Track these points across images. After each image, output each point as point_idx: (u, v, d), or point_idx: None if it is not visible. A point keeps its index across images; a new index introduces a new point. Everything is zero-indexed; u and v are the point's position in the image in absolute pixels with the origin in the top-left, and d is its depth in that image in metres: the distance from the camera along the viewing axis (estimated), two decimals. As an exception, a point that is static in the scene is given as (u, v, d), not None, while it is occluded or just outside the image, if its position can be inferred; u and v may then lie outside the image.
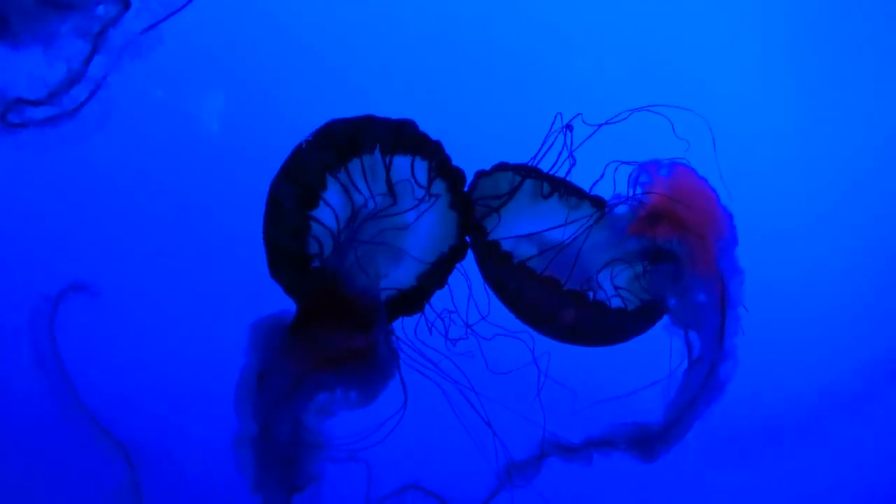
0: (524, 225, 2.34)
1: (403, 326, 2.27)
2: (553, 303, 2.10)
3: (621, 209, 2.24)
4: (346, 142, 2.13)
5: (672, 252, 2.16)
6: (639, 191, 2.20)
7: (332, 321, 2.12)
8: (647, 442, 2.29)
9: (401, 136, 2.17)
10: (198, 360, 3.04)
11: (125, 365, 3.17)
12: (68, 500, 3.14)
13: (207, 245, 3.18)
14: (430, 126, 2.21)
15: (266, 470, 2.16)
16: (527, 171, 2.28)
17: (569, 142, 2.24)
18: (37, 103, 2.03)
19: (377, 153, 2.17)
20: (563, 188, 2.30)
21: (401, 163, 2.20)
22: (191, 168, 3.05)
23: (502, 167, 2.28)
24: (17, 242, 3.03)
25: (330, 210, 2.17)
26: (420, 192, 2.21)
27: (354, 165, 2.17)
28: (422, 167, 2.21)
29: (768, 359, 3.62)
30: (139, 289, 3.20)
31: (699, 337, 2.17)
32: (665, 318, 2.24)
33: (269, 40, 3.11)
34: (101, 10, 1.96)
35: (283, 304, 2.17)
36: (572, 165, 2.28)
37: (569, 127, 2.22)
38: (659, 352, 2.25)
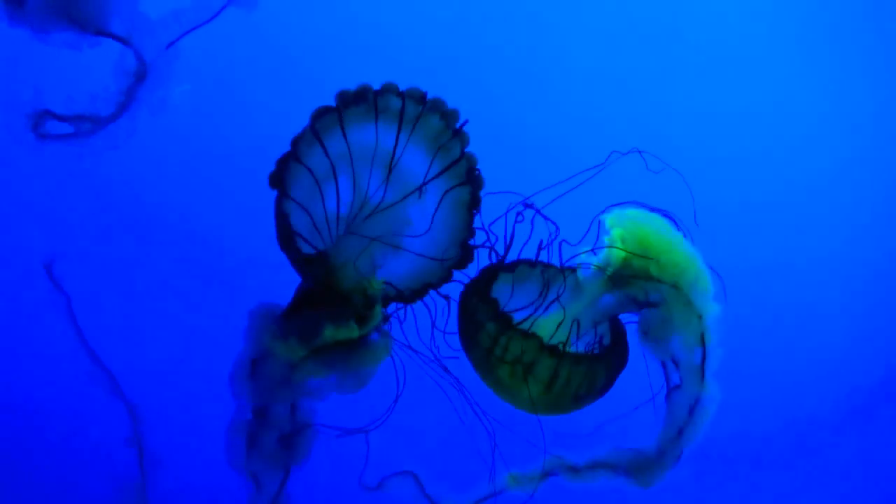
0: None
1: (408, 322, 2.31)
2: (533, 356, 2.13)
3: (590, 269, 2.27)
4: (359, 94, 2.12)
5: (648, 300, 2.21)
6: (602, 248, 2.24)
7: (325, 308, 2.17)
8: (641, 468, 2.35)
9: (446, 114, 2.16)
10: (205, 344, 3.13)
11: (139, 340, 3.27)
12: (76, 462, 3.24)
13: (211, 239, 3.27)
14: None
15: (262, 449, 2.23)
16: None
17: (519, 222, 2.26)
18: (63, 118, 2.09)
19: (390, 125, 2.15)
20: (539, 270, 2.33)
21: (412, 155, 2.21)
22: (195, 169, 3.13)
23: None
24: (36, 235, 3.14)
25: (335, 199, 2.21)
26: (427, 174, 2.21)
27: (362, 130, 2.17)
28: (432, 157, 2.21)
29: (756, 385, 3.70)
30: (153, 280, 3.30)
31: (680, 370, 2.23)
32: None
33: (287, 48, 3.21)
34: (129, 66, 2.03)
35: (280, 294, 2.23)
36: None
37: (519, 212, 2.25)
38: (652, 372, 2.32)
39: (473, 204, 2.20)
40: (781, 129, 4.01)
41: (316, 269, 2.16)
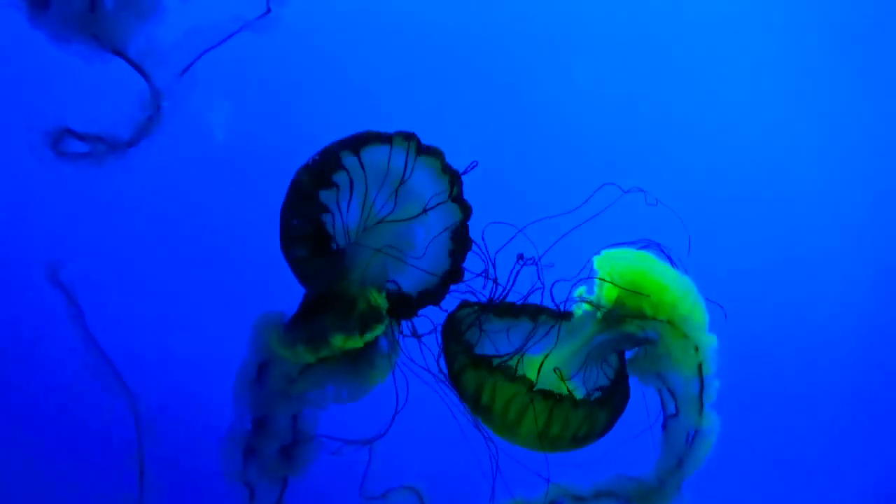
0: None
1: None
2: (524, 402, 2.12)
3: (583, 309, 2.28)
4: (375, 136, 2.21)
5: (644, 337, 2.21)
6: (594, 288, 2.25)
7: (332, 317, 2.19)
8: (644, 498, 2.35)
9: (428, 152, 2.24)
10: (210, 351, 3.19)
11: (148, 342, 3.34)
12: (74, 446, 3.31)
13: (218, 247, 3.35)
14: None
15: (261, 459, 2.25)
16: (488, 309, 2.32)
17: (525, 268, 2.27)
18: (82, 137, 2.14)
19: (400, 154, 2.22)
20: (526, 313, 2.33)
21: (417, 177, 2.27)
22: (200, 177, 3.21)
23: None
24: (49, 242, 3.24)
25: (342, 212, 2.25)
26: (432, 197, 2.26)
27: (376, 155, 2.23)
28: (435, 185, 2.27)
29: (757, 414, 3.70)
30: (164, 287, 3.39)
31: (677, 401, 2.23)
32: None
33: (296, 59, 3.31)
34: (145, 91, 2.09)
35: (285, 302, 2.26)
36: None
37: (521, 258, 2.26)
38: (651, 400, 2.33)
39: (464, 226, 2.26)
40: (779, 156, 4.03)
41: (330, 270, 2.19)
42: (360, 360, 2.23)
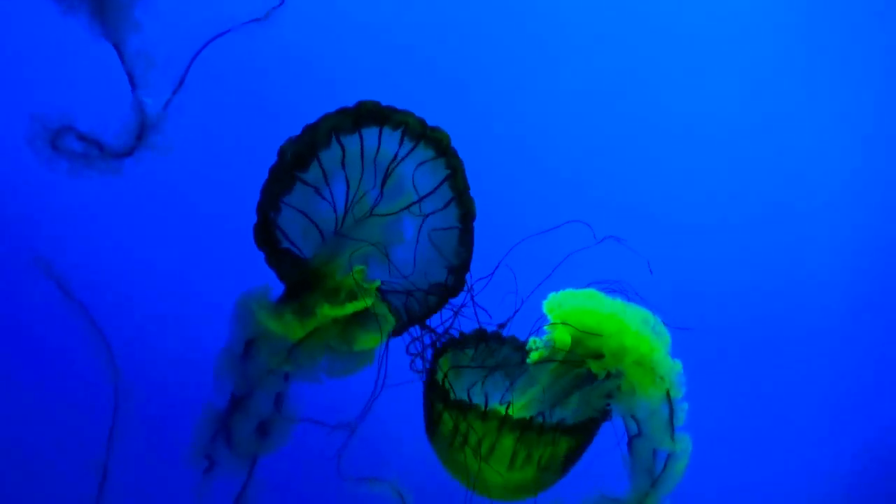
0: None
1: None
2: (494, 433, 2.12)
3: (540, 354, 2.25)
4: (371, 109, 2.08)
5: (604, 377, 2.19)
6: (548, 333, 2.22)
7: (318, 291, 2.17)
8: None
9: (428, 131, 2.11)
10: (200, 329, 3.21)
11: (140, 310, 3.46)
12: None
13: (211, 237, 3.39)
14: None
15: (235, 437, 2.24)
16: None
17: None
18: (81, 137, 2.18)
19: (396, 135, 2.11)
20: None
21: (409, 168, 2.16)
22: (190, 169, 3.28)
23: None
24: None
25: (329, 203, 2.18)
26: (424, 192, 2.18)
27: (369, 137, 2.12)
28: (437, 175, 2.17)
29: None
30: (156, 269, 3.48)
31: (643, 425, 2.20)
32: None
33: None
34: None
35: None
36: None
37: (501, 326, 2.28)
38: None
39: (467, 226, 2.19)
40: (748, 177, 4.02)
41: (297, 270, 2.18)
42: (348, 333, 2.20)
